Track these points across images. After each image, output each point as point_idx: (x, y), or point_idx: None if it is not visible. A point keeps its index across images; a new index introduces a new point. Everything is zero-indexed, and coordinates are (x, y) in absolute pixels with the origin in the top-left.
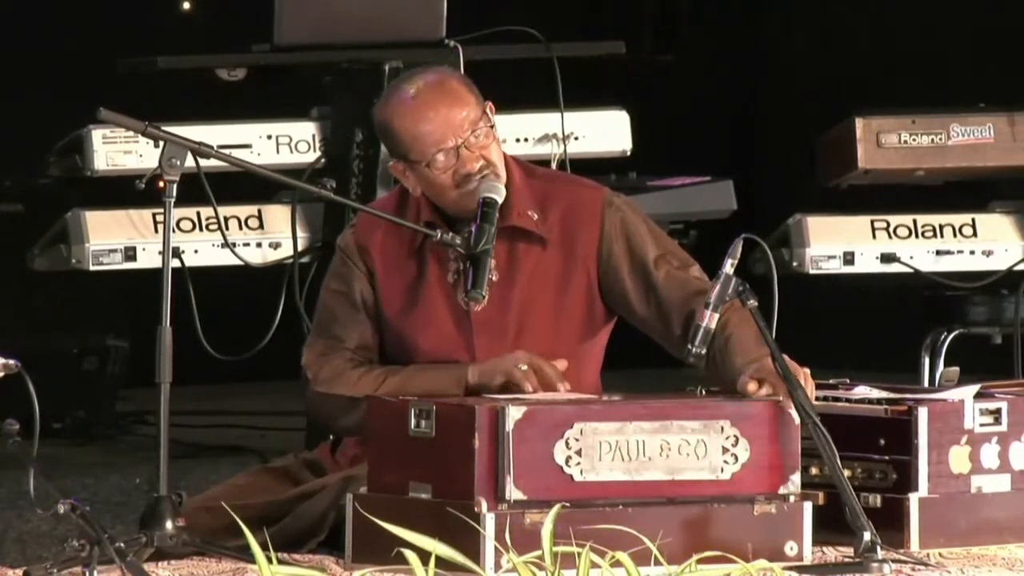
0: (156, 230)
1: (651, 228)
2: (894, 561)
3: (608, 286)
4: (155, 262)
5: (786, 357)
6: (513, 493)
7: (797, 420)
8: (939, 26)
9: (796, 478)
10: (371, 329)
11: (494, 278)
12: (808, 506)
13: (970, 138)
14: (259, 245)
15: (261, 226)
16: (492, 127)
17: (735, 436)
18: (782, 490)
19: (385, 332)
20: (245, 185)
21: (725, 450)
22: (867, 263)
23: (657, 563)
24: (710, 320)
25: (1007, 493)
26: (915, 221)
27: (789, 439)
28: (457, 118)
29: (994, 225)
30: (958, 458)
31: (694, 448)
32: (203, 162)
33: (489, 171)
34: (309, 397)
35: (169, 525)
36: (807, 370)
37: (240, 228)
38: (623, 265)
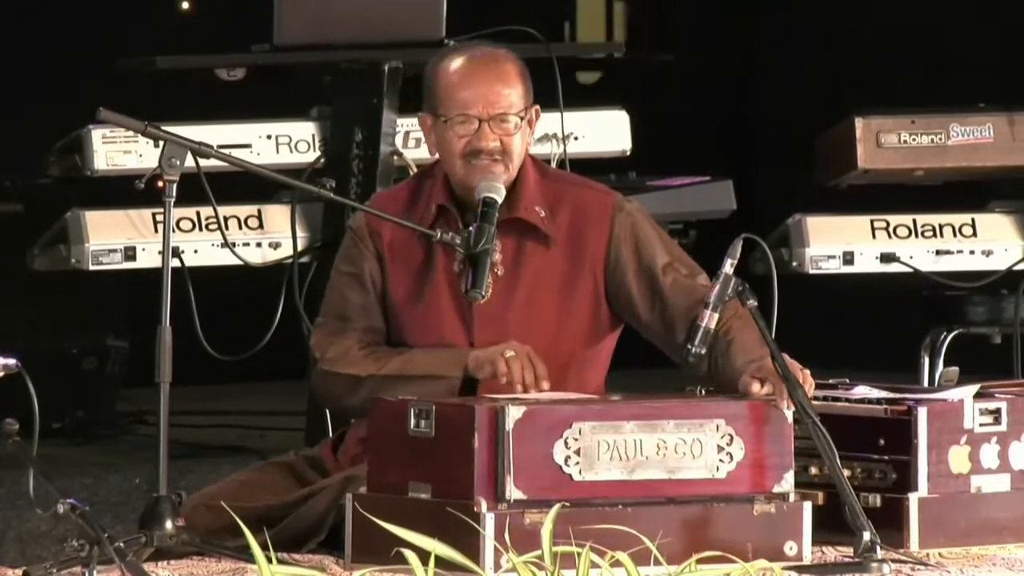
0: (156, 230)
1: (661, 235)
2: (894, 561)
3: (614, 290)
4: (155, 262)
5: (786, 356)
6: (513, 493)
7: (790, 419)
8: (939, 26)
9: (790, 476)
10: (380, 311)
11: (500, 272)
12: (808, 506)
13: (970, 138)
14: (259, 245)
15: (261, 226)
16: (526, 122)
17: (730, 435)
18: (776, 488)
19: (389, 317)
20: (245, 185)
21: (720, 448)
22: (867, 263)
23: (657, 563)
24: (710, 320)
25: (1007, 493)
26: (915, 221)
27: (783, 437)
28: (495, 94)
29: (994, 225)
30: (958, 458)
31: (690, 447)
32: (203, 162)
33: (501, 159)
34: (316, 376)
35: (169, 525)
36: (807, 371)
37: (240, 228)
38: (630, 270)
